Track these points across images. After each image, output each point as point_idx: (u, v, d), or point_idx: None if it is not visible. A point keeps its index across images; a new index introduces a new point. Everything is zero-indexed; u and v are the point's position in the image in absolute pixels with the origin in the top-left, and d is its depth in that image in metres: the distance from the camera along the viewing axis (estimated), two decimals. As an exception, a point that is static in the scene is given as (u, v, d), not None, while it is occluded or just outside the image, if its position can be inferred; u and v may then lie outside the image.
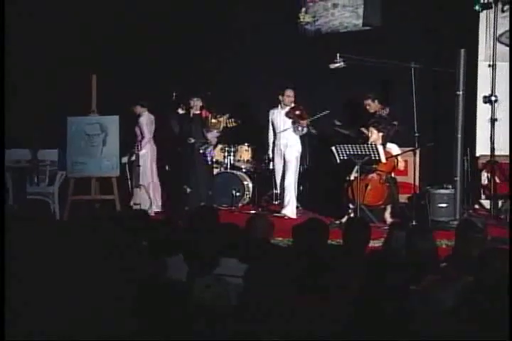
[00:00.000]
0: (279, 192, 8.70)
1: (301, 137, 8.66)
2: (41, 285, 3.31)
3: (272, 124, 8.66)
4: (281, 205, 8.56)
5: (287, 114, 8.51)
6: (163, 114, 9.00)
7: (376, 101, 8.27)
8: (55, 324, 2.89)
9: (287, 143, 8.56)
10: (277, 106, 8.60)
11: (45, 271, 3.53)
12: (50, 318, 2.91)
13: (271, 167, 8.87)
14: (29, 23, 9.24)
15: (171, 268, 3.75)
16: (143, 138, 8.75)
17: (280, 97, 8.52)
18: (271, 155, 8.76)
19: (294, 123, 8.49)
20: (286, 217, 8.26)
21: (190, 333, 2.53)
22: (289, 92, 8.47)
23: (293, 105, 8.52)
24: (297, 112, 8.46)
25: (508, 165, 8.28)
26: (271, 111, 8.66)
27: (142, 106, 8.78)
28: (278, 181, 8.69)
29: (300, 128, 8.48)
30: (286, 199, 8.49)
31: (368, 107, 8.30)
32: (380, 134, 8.08)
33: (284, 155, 8.57)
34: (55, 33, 9.27)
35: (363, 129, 8.19)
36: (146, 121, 8.79)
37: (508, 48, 8.63)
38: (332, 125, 8.60)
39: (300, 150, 8.62)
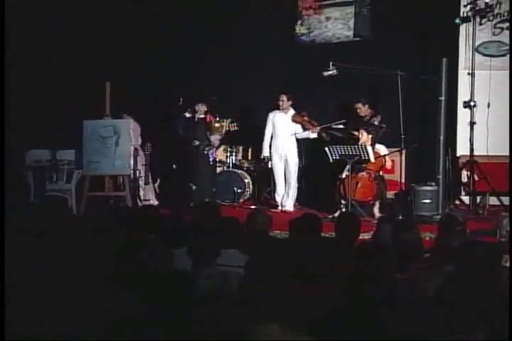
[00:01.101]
0: (278, 188, 8.69)
1: (298, 139, 8.67)
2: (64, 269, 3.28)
3: (273, 125, 8.63)
4: (282, 200, 8.58)
5: (294, 119, 8.50)
6: (170, 118, 9.03)
7: (366, 105, 8.29)
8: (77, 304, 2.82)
9: (289, 147, 8.56)
10: (277, 110, 8.59)
11: (68, 258, 3.52)
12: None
13: (269, 166, 8.86)
14: (56, 37, 9.22)
15: (177, 259, 3.74)
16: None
17: (278, 102, 8.51)
18: (267, 154, 8.72)
19: (304, 128, 8.49)
20: (286, 211, 8.35)
21: (192, 321, 2.52)
22: (282, 97, 8.47)
23: (293, 111, 8.51)
24: (305, 118, 8.46)
25: (485, 164, 8.30)
26: (271, 114, 8.65)
27: (128, 115, 8.77)
28: (278, 179, 8.67)
29: (309, 133, 8.48)
30: (289, 195, 8.55)
31: (358, 111, 8.33)
32: (370, 136, 8.10)
33: (286, 156, 8.57)
34: (78, 47, 9.27)
35: (354, 132, 8.22)
36: (133, 127, 8.79)
37: (485, 58, 8.66)
38: (327, 128, 8.64)
39: (297, 151, 8.64)
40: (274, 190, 8.79)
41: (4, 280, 2.83)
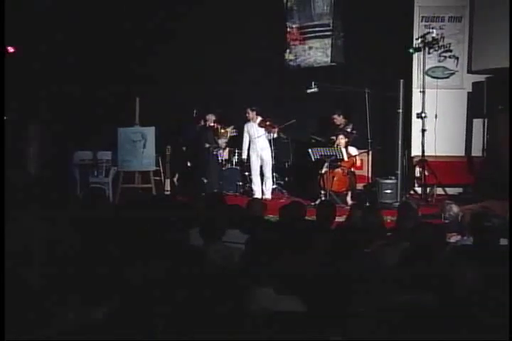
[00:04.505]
0: (255, 181, 8.53)
1: (286, 143, 8.68)
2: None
3: (248, 133, 8.53)
4: (263, 190, 8.49)
5: (259, 125, 8.46)
6: (186, 126, 9.03)
7: (341, 116, 8.34)
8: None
9: (263, 147, 8.48)
10: (249, 121, 8.53)
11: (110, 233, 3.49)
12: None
13: (247, 164, 8.70)
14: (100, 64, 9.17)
15: (192, 237, 3.73)
16: None
17: (246, 114, 8.51)
18: (246, 156, 8.61)
19: (266, 131, 8.46)
20: (266, 199, 8.18)
21: (203, 285, 2.51)
22: (248, 111, 8.44)
23: (260, 118, 8.45)
24: (268, 123, 8.45)
25: (433, 162, 8.32)
26: (245, 125, 8.57)
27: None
28: (254, 174, 8.53)
29: (272, 135, 8.44)
30: (268, 186, 8.48)
31: (334, 120, 8.37)
32: (344, 140, 8.11)
33: (261, 155, 8.49)
34: (113, 71, 9.22)
35: (333, 137, 8.24)
36: None
37: (433, 79, 8.69)
38: (311, 134, 8.62)
39: (270, 151, 8.51)
40: (251, 181, 8.63)
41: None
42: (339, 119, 8.37)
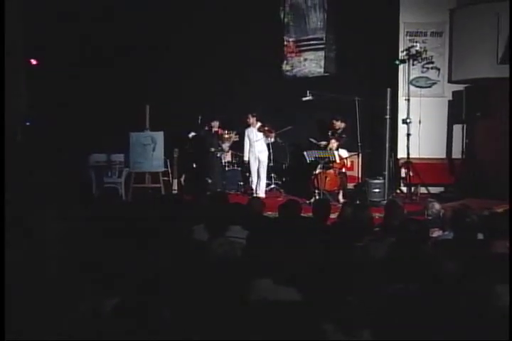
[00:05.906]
0: (254, 181, 8.55)
1: (283, 146, 8.68)
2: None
3: (248, 137, 8.56)
4: (257, 189, 8.49)
5: (258, 129, 8.47)
6: (192, 131, 9.03)
7: (339, 120, 8.36)
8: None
9: (261, 150, 8.50)
10: (250, 126, 8.55)
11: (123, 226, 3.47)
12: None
13: (248, 165, 8.71)
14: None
15: (196, 232, 3.73)
16: None
17: (247, 120, 8.51)
18: (247, 159, 8.63)
19: (264, 135, 8.45)
20: (260, 197, 8.10)
21: (208, 277, 2.51)
22: (249, 116, 8.46)
23: (260, 124, 8.45)
24: (266, 128, 8.46)
25: (417, 164, 8.32)
26: (246, 130, 8.60)
27: None
28: (253, 174, 8.56)
29: (269, 139, 8.44)
30: (262, 185, 8.48)
31: (334, 125, 8.37)
32: (336, 144, 8.12)
33: (258, 157, 8.50)
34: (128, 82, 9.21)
35: (322, 142, 8.25)
36: None
37: (417, 88, 8.69)
38: (308, 139, 8.61)
39: (267, 153, 8.54)
40: (250, 180, 8.65)
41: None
42: (338, 124, 8.41)
